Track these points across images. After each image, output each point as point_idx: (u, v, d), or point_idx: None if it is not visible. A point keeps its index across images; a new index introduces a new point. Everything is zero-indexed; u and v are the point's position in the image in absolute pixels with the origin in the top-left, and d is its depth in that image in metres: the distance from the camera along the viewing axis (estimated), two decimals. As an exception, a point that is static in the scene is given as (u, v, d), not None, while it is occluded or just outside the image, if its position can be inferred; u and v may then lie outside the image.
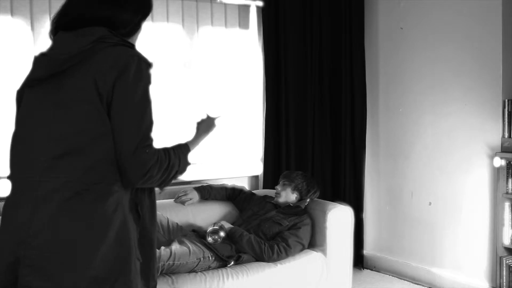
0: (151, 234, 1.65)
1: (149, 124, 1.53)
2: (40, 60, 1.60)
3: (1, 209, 1.59)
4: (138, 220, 1.59)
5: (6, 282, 1.50)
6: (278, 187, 3.41)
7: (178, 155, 1.63)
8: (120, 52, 1.53)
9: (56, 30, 1.62)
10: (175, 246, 2.90)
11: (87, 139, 1.49)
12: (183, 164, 1.65)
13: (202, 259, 2.91)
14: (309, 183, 3.42)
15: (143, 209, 1.61)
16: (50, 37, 1.64)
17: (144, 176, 1.51)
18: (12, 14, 3.15)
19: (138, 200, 1.60)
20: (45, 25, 3.23)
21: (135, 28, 1.67)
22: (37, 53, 1.65)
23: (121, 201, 1.53)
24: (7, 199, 1.59)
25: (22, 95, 1.65)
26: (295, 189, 3.37)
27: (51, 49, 1.60)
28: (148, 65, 1.56)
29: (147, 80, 1.54)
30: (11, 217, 1.53)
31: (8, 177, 1.61)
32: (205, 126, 1.96)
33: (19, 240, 1.48)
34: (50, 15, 3.23)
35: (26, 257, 1.46)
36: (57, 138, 1.50)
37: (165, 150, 1.59)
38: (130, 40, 1.63)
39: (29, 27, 3.19)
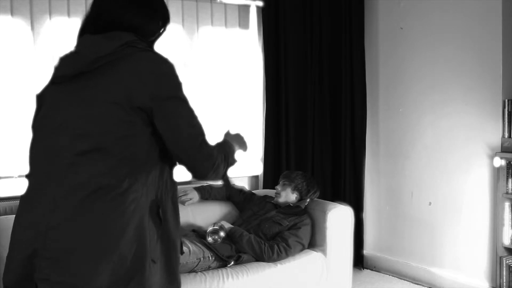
0: (175, 238, 1.66)
1: (198, 118, 1.62)
2: (68, 57, 1.62)
3: (18, 205, 1.59)
4: (159, 223, 1.60)
5: (23, 275, 1.51)
6: (278, 187, 3.41)
7: (224, 147, 1.75)
8: (153, 59, 1.58)
9: (83, 32, 1.66)
10: None
11: (112, 139, 1.51)
12: (232, 154, 1.78)
13: (202, 259, 2.91)
14: (309, 183, 3.42)
15: (166, 213, 1.62)
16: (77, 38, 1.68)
17: (214, 165, 1.61)
18: (12, 14, 3.15)
19: (160, 203, 1.61)
20: (45, 25, 3.23)
21: (157, 39, 1.77)
22: (62, 53, 1.67)
23: (139, 200, 1.53)
24: (23, 196, 1.59)
25: (42, 99, 1.66)
26: (295, 189, 3.37)
27: (80, 48, 1.62)
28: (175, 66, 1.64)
29: (180, 80, 1.62)
30: (30, 211, 1.53)
31: (27, 175, 1.61)
32: (235, 137, 1.97)
33: (37, 233, 1.48)
34: (50, 15, 3.23)
35: (44, 249, 1.47)
36: (82, 135, 1.51)
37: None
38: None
39: (29, 27, 3.19)
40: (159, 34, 1.77)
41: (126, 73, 1.53)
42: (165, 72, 1.58)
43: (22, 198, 1.60)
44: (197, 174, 1.63)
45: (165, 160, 1.63)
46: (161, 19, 1.74)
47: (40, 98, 1.67)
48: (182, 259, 2.82)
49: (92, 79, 1.54)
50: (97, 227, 1.47)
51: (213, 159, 1.62)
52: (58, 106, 1.59)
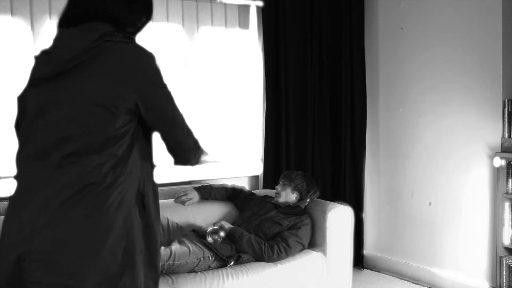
0: (155, 227, 1.66)
1: (180, 112, 1.65)
2: (43, 59, 1.59)
3: (6, 208, 1.58)
4: (143, 212, 1.60)
5: (13, 278, 1.50)
6: (278, 187, 3.40)
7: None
8: (130, 51, 1.55)
9: (61, 25, 1.62)
10: (175, 246, 2.90)
11: (96, 140, 1.50)
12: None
13: (202, 259, 2.91)
14: (309, 183, 3.42)
15: (149, 203, 1.63)
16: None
17: (197, 151, 1.68)
18: (12, 14, 3.15)
19: (144, 192, 1.61)
20: (45, 25, 3.23)
21: (139, 29, 1.71)
22: (38, 52, 1.64)
23: (126, 193, 1.54)
24: (12, 198, 1.58)
25: (24, 100, 1.63)
26: (295, 189, 3.37)
27: (54, 47, 1.58)
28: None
29: (160, 69, 1.61)
30: (17, 215, 1.53)
31: (15, 176, 1.60)
32: None
33: (25, 236, 1.48)
34: (50, 15, 3.23)
35: (32, 252, 1.46)
36: (66, 138, 1.50)
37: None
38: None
39: (29, 27, 3.19)
40: (141, 25, 1.71)
41: (105, 71, 1.50)
42: (143, 63, 1.55)
43: (10, 200, 1.58)
44: (181, 158, 1.67)
45: (146, 149, 1.63)
46: (143, 9, 1.69)
47: (22, 100, 1.65)
48: (182, 259, 2.82)
49: (71, 78, 1.52)
50: (83, 226, 1.47)
51: (197, 143, 1.68)
52: (41, 109, 1.56)
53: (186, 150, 1.65)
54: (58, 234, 1.46)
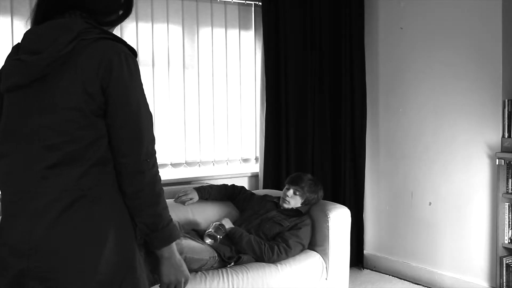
0: None
1: (148, 122, 1.51)
2: (17, 66, 1.50)
3: (1, 217, 1.54)
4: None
5: None
6: (288, 194, 3.36)
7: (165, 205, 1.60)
8: (105, 50, 1.45)
9: (36, 22, 1.55)
10: (184, 241, 2.88)
11: (79, 147, 1.44)
12: (161, 213, 1.59)
13: (212, 258, 2.92)
14: (318, 194, 3.41)
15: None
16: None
17: (151, 168, 1.52)
18: (12, 14, 3.15)
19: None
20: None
21: (117, 20, 1.61)
22: (10, 50, 1.56)
23: (118, 200, 1.51)
24: (3, 212, 1.53)
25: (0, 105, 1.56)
26: (305, 200, 3.37)
27: (28, 52, 1.49)
28: (135, 56, 1.52)
29: (137, 74, 1.50)
30: (9, 230, 1.49)
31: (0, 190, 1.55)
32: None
33: (20, 253, 1.45)
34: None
35: (30, 270, 1.44)
36: (48, 147, 1.45)
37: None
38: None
39: (29, 27, 3.19)
40: (119, 17, 1.60)
41: (80, 72, 1.43)
42: (117, 64, 1.45)
43: (2, 214, 1.53)
44: (121, 180, 1.50)
45: None
46: None
47: None
48: (195, 254, 2.82)
49: (47, 84, 1.45)
50: (78, 241, 1.44)
51: (153, 161, 1.52)
52: (18, 117, 1.50)
53: (139, 159, 1.48)
54: (54, 251, 1.43)
